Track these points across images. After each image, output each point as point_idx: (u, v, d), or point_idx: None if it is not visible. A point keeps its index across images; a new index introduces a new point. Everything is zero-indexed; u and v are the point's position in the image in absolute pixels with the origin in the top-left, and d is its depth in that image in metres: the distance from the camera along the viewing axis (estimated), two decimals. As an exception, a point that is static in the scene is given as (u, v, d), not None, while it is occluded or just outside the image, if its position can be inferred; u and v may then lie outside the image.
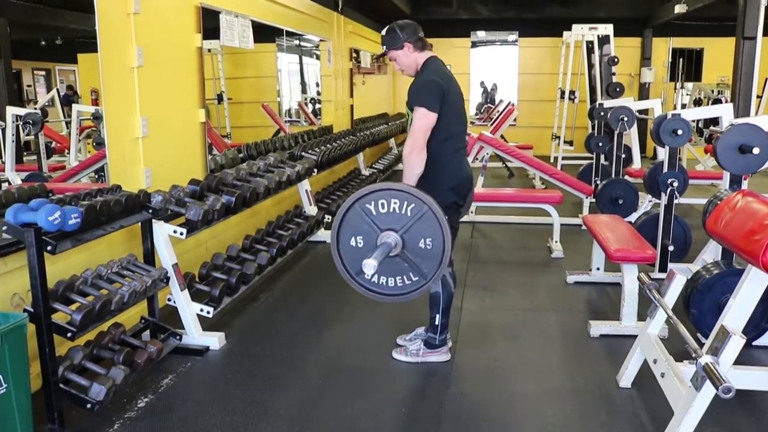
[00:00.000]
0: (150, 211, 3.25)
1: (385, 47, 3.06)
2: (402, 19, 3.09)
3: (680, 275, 2.82)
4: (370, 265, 2.29)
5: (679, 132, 4.20)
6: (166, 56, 3.97)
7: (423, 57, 3.03)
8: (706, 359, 2.19)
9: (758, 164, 3.25)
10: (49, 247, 2.51)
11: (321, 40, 7.82)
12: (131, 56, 3.56)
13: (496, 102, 12.63)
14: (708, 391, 2.22)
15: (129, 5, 3.51)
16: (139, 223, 3.27)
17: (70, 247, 2.66)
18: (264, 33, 6.26)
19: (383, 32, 3.06)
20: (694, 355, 2.25)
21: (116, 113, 3.52)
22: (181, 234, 3.40)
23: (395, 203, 2.43)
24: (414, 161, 2.83)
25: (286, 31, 6.83)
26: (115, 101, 3.51)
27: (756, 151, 3.17)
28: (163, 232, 3.38)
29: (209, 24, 4.51)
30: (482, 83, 13.11)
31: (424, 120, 2.84)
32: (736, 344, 2.24)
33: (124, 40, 3.53)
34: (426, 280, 2.49)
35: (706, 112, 6.54)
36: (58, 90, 4.84)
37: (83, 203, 2.77)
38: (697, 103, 11.43)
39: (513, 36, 12.39)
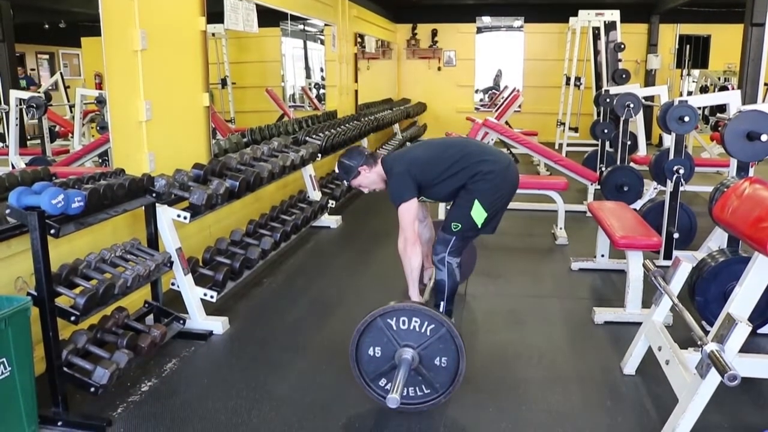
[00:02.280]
0: (153, 195, 3.24)
1: (346, 182, 3.21)
2: (349, 146, 3.19)
3: (686, 263, 2.81)
4: (394, 400, 2.35)
5: (686, 119, 4.15)
6: (170, 39, 3.94)
7: (379, 167, 3.14)
8: (711, 347, 2.18)
9: (766, 151, 3.21)
10: (52, 231, 2.50)
11: (326, 25, 7.77)
12: (135, 39, 3.53)
13: (501, 88, 12.55)
14: (713, 379, 2.21)
15: (132, -12, 3.48)
16: (143, 207, 3.26)
17: (73, 230, 2.65)
18: (268, 17, 6.21)
19: (338, 171, 3.22)
20: (699, 342, 2.24)
21: (120, 97, 3.49)
22: (185, 218, 3.39)
23: (416, 321, 2.54)
24: (410, 256, 2.97)
25: (291, 15, 6.78)
26: (119, 84, 3.48)
27: (764, 138, 3.13)
28: (166, 216, 3.37)
29: (213, 8, 4.47)
30: (478, 90, 13.01)
31: (406, 213, 2.96)
32: (742, 332, 2.23)
33: (128, 23, 3.50)
34: (437, 394, 2.57)
35: (714, 98, 6.48)
36: (61, 74, 4.82)
37: (87, 187, 2.76)
38: (704, 90, 11.34)
39: (519, 21, 12.27)
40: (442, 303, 3.13)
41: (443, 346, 2.51)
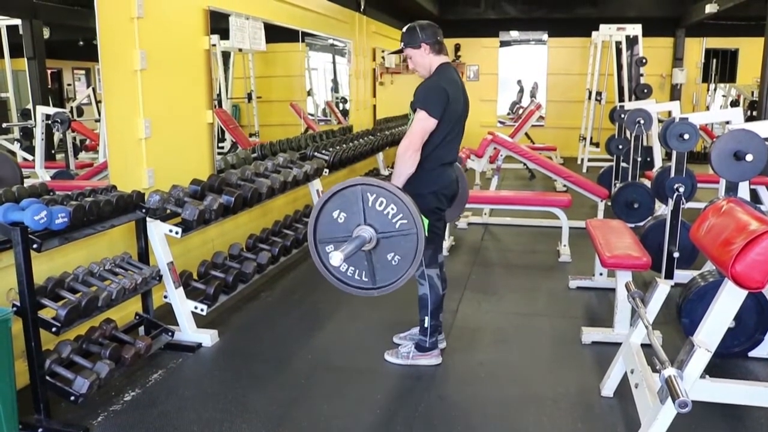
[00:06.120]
0: (144, 210, 3.34)
1: (402, 44, 3.09)
2: (426, 20, 3.12)
3: (663, 284, 2.77)
4: (337, 258, 2.31)
5: (686, 136, 4.10)
6: (172, 59, 4.05)
7: (437, 61, 3.05)
8: (669, 372, 2.15)
9: (753, 171, 3.16)
10: (35, 245, 2.61)
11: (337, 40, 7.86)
12: (134, 60, 3.66)
13: (537, 101, 12.45)
14: (672, 405, 2.18)
15: (132, 10, 3.61)
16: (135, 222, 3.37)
17: (57, 245, 2.76)
18: (294, 33, 6.34)
19: (404, 29, 3.09)
20: (658, 367, 2.22)
21: (118, 115, 3.62)
22: (176, 233, 3.48)
23: (392, 209, 2.47)
24: (407, 160, 2.87)
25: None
26: (117, 103, 3.60)
27: (749, 158, 3.08)
28: (158, 231, 3.47)
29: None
30: (519, 81, 12.98)
31: (423, 123, 2.88)
32: (701, 358, 2.21)
33: (127, 44, 3.63)
34: (373, 287, 2.53)
35: (716, 116, 6.35)
36: (94, 89, 5.00)
37: (73, 203, 2.87)
38: (734, 104, 11.10)
39: (542, 36, 12.22)
40: (426, 318, 3.14)
41: (405, 244, 2.44)
